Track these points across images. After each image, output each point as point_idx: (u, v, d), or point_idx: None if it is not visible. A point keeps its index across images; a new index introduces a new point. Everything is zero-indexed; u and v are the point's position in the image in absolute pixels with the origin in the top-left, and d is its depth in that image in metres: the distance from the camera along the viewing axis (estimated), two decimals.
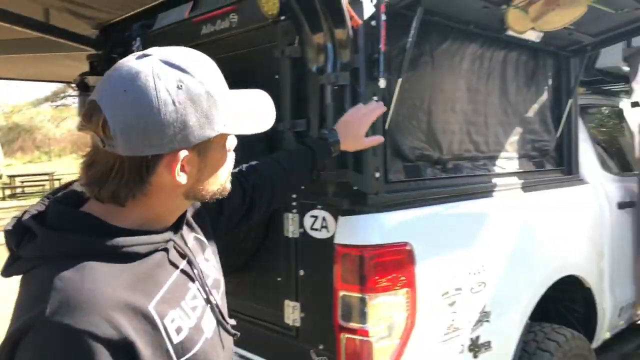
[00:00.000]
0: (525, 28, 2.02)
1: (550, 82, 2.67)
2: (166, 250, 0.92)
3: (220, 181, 0.96)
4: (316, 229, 1.85)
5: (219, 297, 1.06)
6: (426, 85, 2.01)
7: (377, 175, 1.74)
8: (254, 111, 0.98)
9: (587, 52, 2.62)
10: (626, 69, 2.88)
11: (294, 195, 1.91)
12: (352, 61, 1.66)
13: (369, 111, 1.61)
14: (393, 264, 1.69)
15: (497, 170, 2.36)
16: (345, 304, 1.68)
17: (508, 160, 2.43)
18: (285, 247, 1.96)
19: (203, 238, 1.10)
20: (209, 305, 0.99)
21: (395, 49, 1.81)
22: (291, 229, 1.93)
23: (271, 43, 1.90)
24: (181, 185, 0.88)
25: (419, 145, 1.98)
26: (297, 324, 1.92)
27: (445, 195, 2.02)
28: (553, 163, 2.73)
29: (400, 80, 1.76)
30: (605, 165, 3.04)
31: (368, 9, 1.69)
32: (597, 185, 2.86)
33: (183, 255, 0.96)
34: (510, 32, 2.13)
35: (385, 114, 1.74)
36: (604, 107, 3.36)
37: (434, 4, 1.83)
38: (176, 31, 2.34)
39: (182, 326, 0.88)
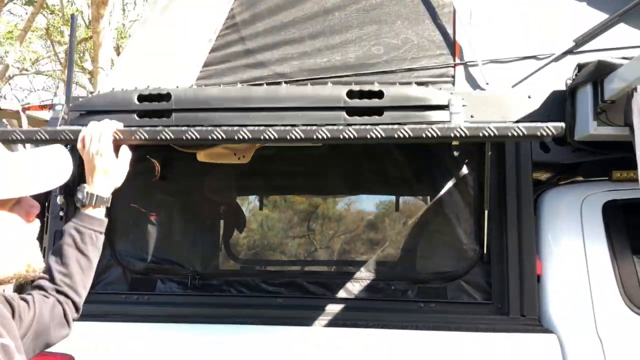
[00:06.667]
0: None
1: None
2: None
3: (15, 258, 0.75)
4: None
5: None
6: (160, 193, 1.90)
7: None
8: (40, 169, 0.82)
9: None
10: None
11: None
12: None
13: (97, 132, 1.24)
14: None
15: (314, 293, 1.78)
16: None
17: (348, 283, 1.79)
18: None
19: (10, 343, 0.85)
20: None
21: None
22: None
23: None
24: None
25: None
26: None
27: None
28: (473, 294, 1.77)
29: None
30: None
31: None
32: (584, 339, 1.62)
33: None
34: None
35: None
36: None
37: None
38: None
39: None
